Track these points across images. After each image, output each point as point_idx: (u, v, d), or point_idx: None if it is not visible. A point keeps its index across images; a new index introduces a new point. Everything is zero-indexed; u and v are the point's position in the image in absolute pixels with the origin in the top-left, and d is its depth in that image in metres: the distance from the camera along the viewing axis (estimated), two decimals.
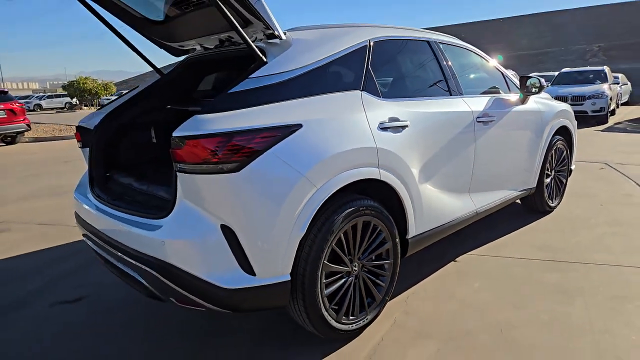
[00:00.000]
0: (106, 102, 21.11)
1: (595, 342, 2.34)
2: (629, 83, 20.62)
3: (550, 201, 4.45)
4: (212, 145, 1.88)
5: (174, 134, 1.93)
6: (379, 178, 2.41)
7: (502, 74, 3.93)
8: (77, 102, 42.40)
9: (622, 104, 19.07)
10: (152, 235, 2.02)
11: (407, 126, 2.62)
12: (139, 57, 3.04)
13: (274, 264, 2.04)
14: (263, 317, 2.73)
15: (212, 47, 2.98)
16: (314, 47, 2.44)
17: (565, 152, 4.52)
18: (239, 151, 1.91)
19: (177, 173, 1.97)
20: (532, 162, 4.00)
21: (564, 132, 4.50)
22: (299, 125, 2.08)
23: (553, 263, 3.34)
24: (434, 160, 2.85)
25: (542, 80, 3.81)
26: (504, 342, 2.38)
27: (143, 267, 2.05)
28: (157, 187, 2.52)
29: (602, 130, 11.63)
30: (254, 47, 2.19)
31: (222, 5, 2.01)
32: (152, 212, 2.17)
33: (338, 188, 2.20)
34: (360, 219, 2.36)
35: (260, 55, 2.24)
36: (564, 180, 4.67)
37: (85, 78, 42.00)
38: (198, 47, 3.10)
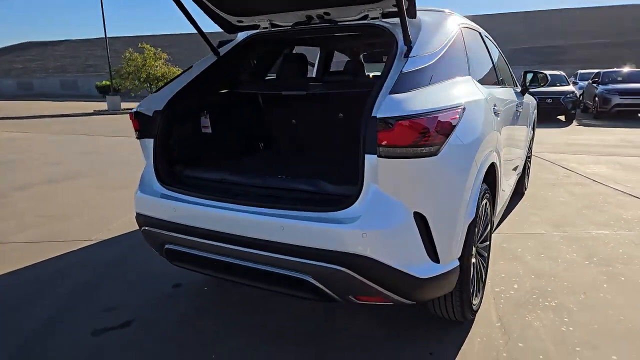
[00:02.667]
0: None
1: None
2: None
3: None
4: (421, 127, 1.83)
5: (378, 115, 1.81)
6: (494, 161, 2.55)
7: (509, 67, 4.37)
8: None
9: None
10: (347, 228, 1.85)
11: (500, 112, 2.81)
12: (195, 29, 2.70)
13: (452, 250, 2.05)
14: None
15: (289, 24, 2.77)
16: (436, 30, 2.46)
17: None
18: (441, 132, 1.88)
19: (379, 158, 1.84)
20: (526, 146, 4.65)
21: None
22: (464, 108, 2.11)
23: None
24: (507, 145, 3.12)
25: (548, 74, 4.36)
26: None
27: (322, 265, 1.88)
28: (286, 179, 2.34)
29: None
30: (407, 23, 2.14)
31: None
32: (326, 205, 1.98)
33: (485, 170, 2.29)
34: (484, 201, 2.48)
35: (409, 34, 2.19)
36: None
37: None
38: (264, 24, 2.84)
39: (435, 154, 1.87)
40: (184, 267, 2.51)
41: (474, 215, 2.15)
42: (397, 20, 2.37)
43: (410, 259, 1.91)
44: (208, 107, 2.93)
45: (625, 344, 2.34)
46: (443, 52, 2.34)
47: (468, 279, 2.24)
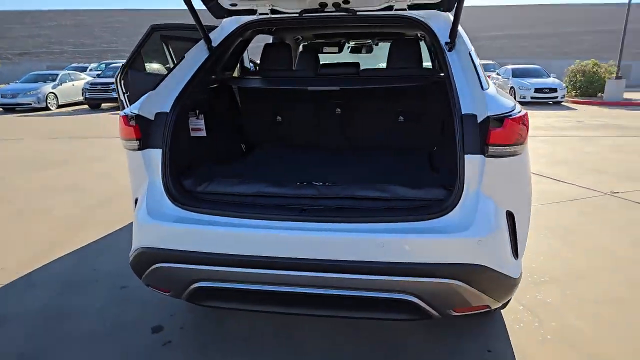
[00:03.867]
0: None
1: None
2: None
3: None
4: (522, 124, 1.86)
5: (489, 113, 1.81)
6: None
7: None
8: None
9: None
10: (461, 237, 1.76)
11: None
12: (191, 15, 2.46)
13: (524, 246, 2.04)
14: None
15: (295, 11, 2.57)
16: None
17: None
18: (527, 129, 1.92)
19: (487, 158, 1.81)
20: None
21: None
22: None
23: None
24: None
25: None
26: None
27: (430, 280, 1.77)
28: (337, 187, 2.10)
29: None
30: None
31: None
32: (420, 213, 1.86)
33: None
34: None
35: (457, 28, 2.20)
36: None
37: None
38: (263, 9, 2.64)
39: (520, 152, 1.90)
40: (219, 307, 2.18)
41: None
42: (425, 11, 2.41)
43: (506, 261, 1.88)
44: (203, 105, 2.64)
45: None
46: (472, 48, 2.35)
47: None
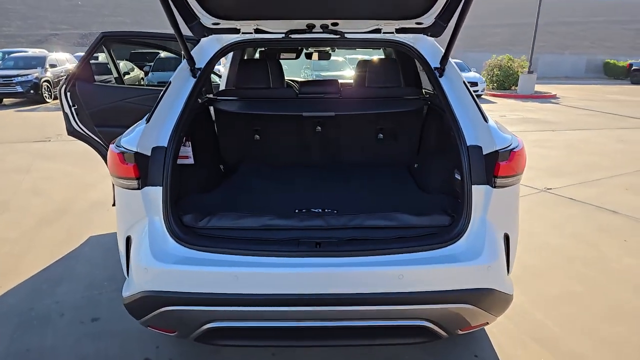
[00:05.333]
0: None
1: None
2: None
3: None
4: (524, 156, 2.07)
5: (497, 147, 2.00)
6: None
7: None
8: None
9: None
10: (474, 264, 1.91)
11: None
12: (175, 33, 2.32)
13: (513, 262, 2.22)
14: None
15: (281, 31, 2.55)
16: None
17: None
18: (525, 160, 2.13)
19: (495, 189, 2.00)
20: None
21: None
22: None
23: None
24: None
25: None
26: None
27: (446, 306, 1.92)
28: (338, 217, 2.17)
29: None
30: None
31: None
32: (430, 242, 1.98)
33: None
34: None
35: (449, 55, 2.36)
36: None
37: None
38: (246, 29, 2.59)
39: (517, 181, 2.10)
40: (230, 345, 2.19)
41: None
42: (413, 35, 2.54)
43: (506, 279, 2.05)
44: (189, 131, 2.55)
45: None
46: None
47: None
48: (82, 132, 3.79)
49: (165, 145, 2.08)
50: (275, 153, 3.35)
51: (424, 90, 3.52)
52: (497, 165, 1.99)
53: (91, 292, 3.24)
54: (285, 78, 3.77)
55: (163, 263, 1.92)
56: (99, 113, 3.72)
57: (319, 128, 3.21)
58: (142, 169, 2.03)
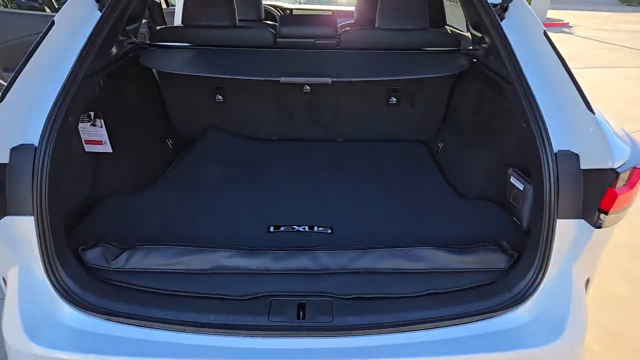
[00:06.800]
0: None
1: None
2: None
3: None
4: None
5: (616, 166, 1.18)
6: None
7: None
8: None
9: None
10: (551, 346, 1.20)
11: None
12: None
13: None
14: None
15: None
16: None
17: None
18: None
19: (596, 230, 1.22)
20: None
21: None
22: None
23: None
24: None
25: None
26: None
27: None
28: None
29: None
30: None
31: None
32: (482, 304, 1.24)
33: None
34: None
35: None
36: None
37: None
38: None
39: None
40: None
41: None
42: None
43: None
44: (100, 101, 1.68)
45: None
46: None
47: None
48: None
49: (36, 143, 1.21)
50: (243, 121, 2.44)
51: (449, 30, 2.63)
52: (608, 193, 1.18)
53: None
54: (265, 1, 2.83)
55: (45, 347, 1.14)
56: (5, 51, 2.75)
57: (307, 88, 2.29)
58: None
